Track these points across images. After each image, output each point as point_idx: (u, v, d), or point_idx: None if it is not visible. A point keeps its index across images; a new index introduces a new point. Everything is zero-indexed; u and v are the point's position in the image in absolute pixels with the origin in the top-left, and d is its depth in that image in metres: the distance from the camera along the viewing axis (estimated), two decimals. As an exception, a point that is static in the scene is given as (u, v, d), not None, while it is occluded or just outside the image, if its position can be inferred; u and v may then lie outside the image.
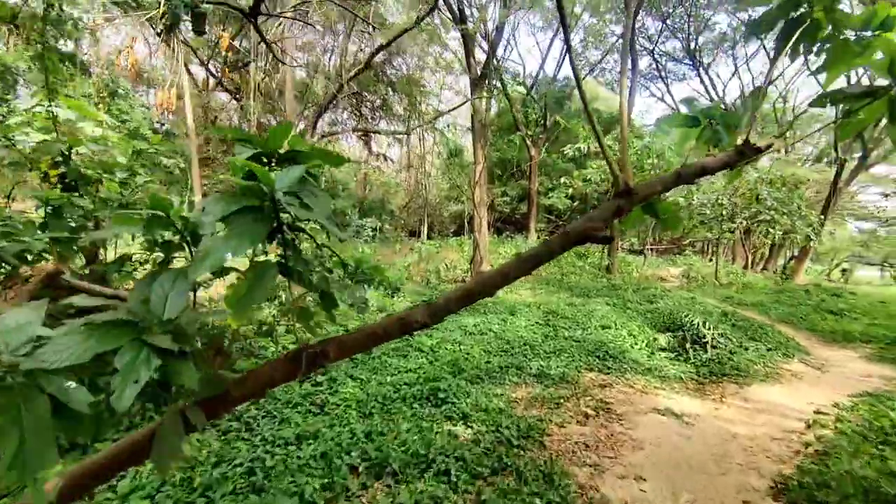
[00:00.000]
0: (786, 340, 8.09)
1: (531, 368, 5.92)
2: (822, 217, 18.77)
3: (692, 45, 29.18)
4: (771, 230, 16.68)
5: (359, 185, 31.80)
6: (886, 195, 22.53)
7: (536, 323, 8.38)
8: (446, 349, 6.58)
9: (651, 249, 31.36)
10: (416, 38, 18.22)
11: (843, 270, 32.32)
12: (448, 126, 27.70)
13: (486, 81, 14.34)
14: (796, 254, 27.40)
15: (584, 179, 16.68)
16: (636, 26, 30.02)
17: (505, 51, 35.56)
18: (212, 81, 20.00)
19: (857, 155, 22.03)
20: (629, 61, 17.54)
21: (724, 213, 17.58)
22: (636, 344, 7.33)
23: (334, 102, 13.76)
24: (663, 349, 7.22)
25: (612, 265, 17.02)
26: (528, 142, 25.71)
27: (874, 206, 32.18)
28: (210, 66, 17.49)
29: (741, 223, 16.89)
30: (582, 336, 7.45)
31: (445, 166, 32.49)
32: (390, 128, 29.27)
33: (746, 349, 7.16)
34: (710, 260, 27.02)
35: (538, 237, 25.71)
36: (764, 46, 27.39)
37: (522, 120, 27.65)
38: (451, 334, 7.36)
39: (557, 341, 7.20)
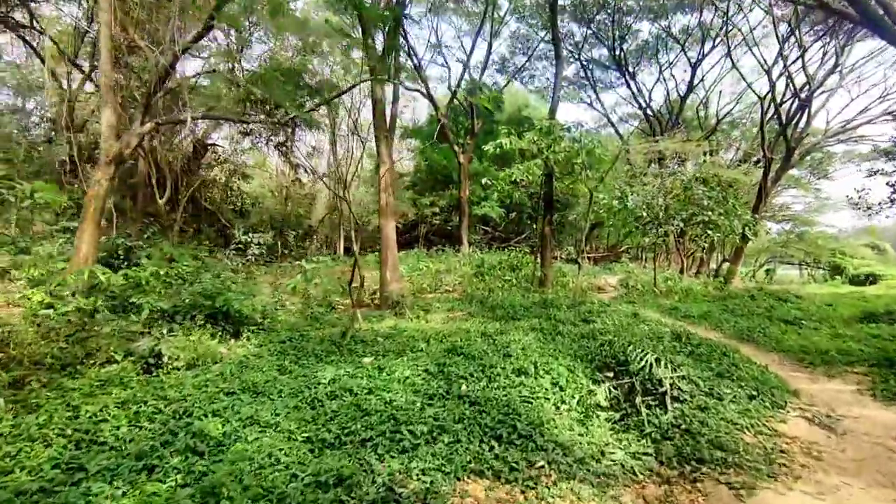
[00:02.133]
0: (762, 374, 5.78)
1: (375, 480, 3.18)
2: (755, 216, 17.46)
3: (617, 52, 28.13)
4: (709, 231, 15.03)
5: (278, 199, 28.31)
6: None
7: (426, 371, 5.63)
8: (244, 444, 3.70)
9: (588, 258, 29.80)
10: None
11: (768, 270, 32.20)
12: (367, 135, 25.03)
13: (387, 63, 11.72)
14: (727, 256, 26.60)
15: (511, 181, 14.32)
16: (562, 33, 28.85)
17: (430, 53, 33.37)
18: None
19: (781, 156, 21.24)
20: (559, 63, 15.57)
21: (659, 214, 15.79)
22: (563, 402, 4.72)
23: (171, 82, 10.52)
24: (603, 407, 4.66)
25: (546, 277, 14.73)
26: (457, 148, 23.37)
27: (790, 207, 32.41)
28: None
29: (677, 225, 15.14)
30: (484, 394, 4.75)
31: (371, 177, 29.66)
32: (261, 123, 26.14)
33: (720, 398, 4.73)
34: (646, 266, 25.71)
35: (471, 249, 23.27)
36: (685, 53, 26.65)
37: (450, 126, 25.43)
38: (275, 404, 4.49)
39: (445, 408, 4.47)
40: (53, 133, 17.34)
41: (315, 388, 5.01)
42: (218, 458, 3.48)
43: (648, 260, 30.66)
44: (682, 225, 15.23)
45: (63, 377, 4.70)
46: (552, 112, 14.33)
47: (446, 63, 27.52)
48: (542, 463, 3.44)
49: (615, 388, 4.93)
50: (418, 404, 4.57)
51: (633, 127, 34.27)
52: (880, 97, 21.59)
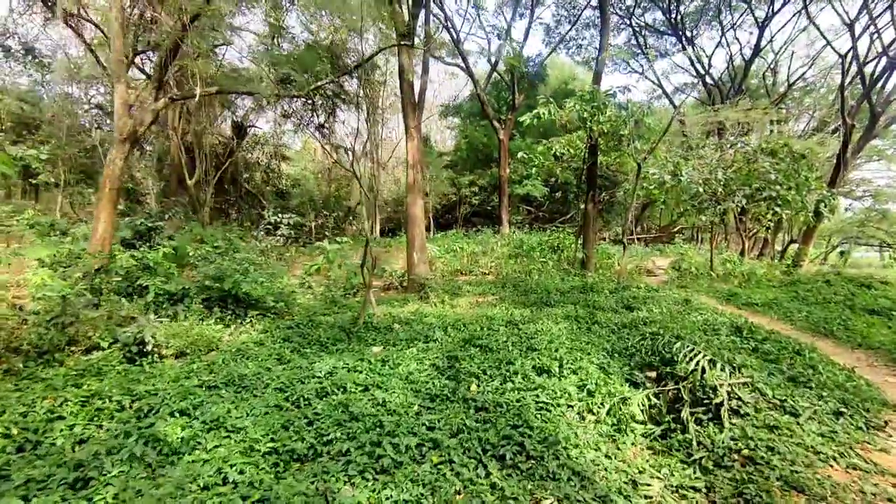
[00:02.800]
0: (848, 380, 4.61)
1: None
2: (832, 191, 15.31)
3: (673, 15, 25.66)
4: (777, 209, 13.22)
5: (319, 181, 28.27)
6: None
7: (434, 366, 4.90)
8: (201, 454, 3.13)
9: (638, 239, 27.94)
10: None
11: (842, 252, 28.95)
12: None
13: (417, 31, 10.83)
14: (795, 237, 24.00)
15: (551, 156, 13.14)
16: (612, -3, 26.58)
17: (468, 26, 31.85)
18: None
19: (862, 125, 18.61)
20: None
21: (719, 190, 14.12)
22: (590, 411, 3.84)
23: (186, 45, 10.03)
24: (639, 420, 3.74)
25: (588, 259, 13.57)
26: (497, 125, 22.16)
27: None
28: None
29: (738, 202, 13.43)
30: (495, 398, 3.95)
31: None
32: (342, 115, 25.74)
33: (795, 414, 3.68)
34: (701, 248, 23.66)
35: (513, 230, 22.23)
36: (752, 12, 23.85)
37: (490, 101, 24.15)
38: (255, 401, 3.90)
39: (445, 414, 3.72)
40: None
41: (306, 382, 4.40)
42: (163, 472, 2.91)
43: (705, 241, 28.36)
44: (744, 202, 13.51)
45: (39, 366, 4.34)
46: (597, 77, 12.92)
47: (486, 35, 25.65)
48: (549, 500, 2.62)
49: (657, 394, 3.98)
50: (415, 408, 3.84)
51: (690, 97, 31.53)
52: None
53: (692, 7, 25.89)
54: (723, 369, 4.24)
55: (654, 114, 12.32)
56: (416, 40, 11.27)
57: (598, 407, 3.80)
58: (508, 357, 4.94)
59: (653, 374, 4.64)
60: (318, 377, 4.57)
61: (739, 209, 16.32)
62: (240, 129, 21.05)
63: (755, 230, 23.01)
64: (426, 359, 5.12)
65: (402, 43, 10.08)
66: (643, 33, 27.56)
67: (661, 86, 28.22)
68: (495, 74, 24.91)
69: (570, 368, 4.55)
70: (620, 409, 3.75)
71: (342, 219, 23.49)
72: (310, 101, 27.02)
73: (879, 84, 17.62)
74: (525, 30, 22.13)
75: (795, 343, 5.52)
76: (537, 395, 3.94)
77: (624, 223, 14.35)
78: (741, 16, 24.57)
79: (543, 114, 11.62)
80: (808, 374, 4.58)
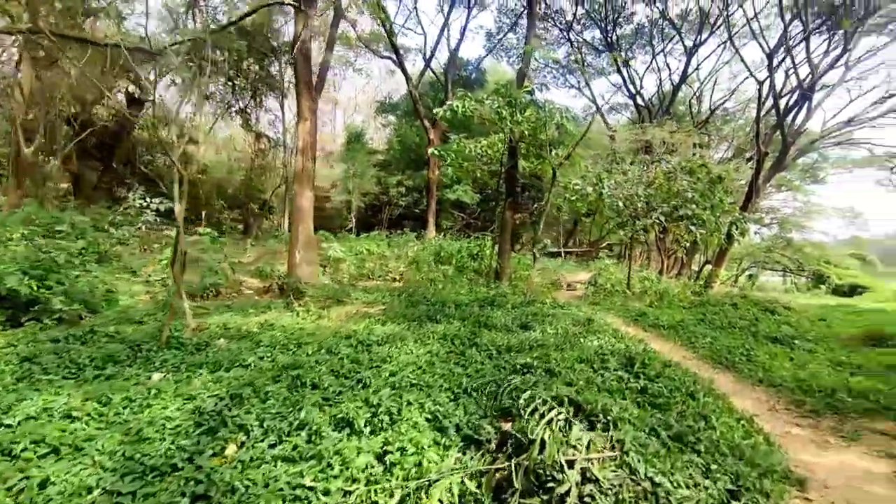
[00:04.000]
0: (747, 436, 3.60)
1: None
2: (744, 214, 15.30)
3: (610, 35, 25.76)
4: (692, 228, 12.85)
5: (239, 171, 25.76)
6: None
7: (197, 411, 3.37)
8: None
9: (567, 252, 27.64)
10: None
11: (751, 276, 30.23)
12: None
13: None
14: (710, 258, 24.52)
15: (471, 156, 11.98)
16: (552, 9, 26.32)
17: (403, 18, 30.56)
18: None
19: (774, 156, 19.12)
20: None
21: (638, 207, 13.59)
22: (371, 499, 2.48)
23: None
24: (449, 516, 2.43)
25: (503, 269, 12.51)
26: (427, 124, 20.91)
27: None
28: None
29: (657, 220, 12.92)
30: (237, 476, 2.51)
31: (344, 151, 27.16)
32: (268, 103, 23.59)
33: (672, 504, 2.51)
34: (641, 264, 23.65)
35: (443, 235, 21.03)
36: (682, 40, 24.30)
37: (425, 101, 22.88)
38: None
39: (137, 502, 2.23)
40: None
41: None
42: None
43: (636, 258, 28.63)
44: (662, 219, 13.02)
45: None
46: (520, 77, 11.97)
47: (423, 30, 24.46)
48: None
49: (483, 472, 2.69)
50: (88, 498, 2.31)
51: (623, 117, 32.00)
52: (881, 98, 19.51)
53: (628, 30, 26.13)
54: (591, 428, 3.06)
55: (575, 120, 11.49)
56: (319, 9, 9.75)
57: (387, 498, 2.44)
58: (311, 399, 3.51)
59: (508, 426, 3.40)
60: (7, 425, 2.92)
61: (661, 228, 16.03)
62: (134, 102, 18.41)
63: (674, 250, 23.28)
64: (203, 395, 3.59)
65: (287, 2, 8.50)
66: (582, 50, 27.47)
67: (595, 103, 28.25)
68: (432, 75, 23.77)
69: (387, 419, 3.19)
70: (418, 502, 2.41)
71: (253, 212, 21.28)
72: (230, 83, 24.68)
73: (791, 116, 18.10)
74: (461, 28, 21.04)
75: (691, 382, 4.51)
76: (302, 473, 2.53)
77: (535, 233, 13.45)
78: (670, 42, 24.99)
79: (457, 107, 10.42)
80: (700, 430, 3.50)
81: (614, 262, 20.72)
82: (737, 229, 14.14)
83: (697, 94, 27.73)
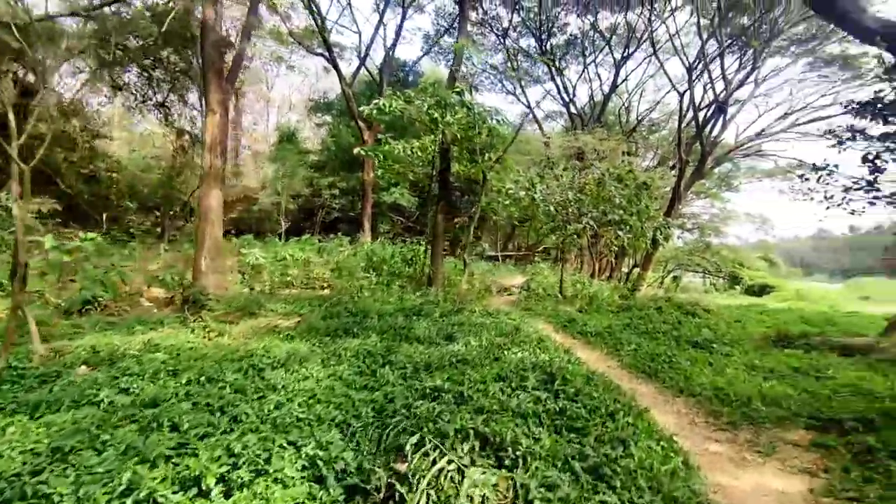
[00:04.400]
0: (665, 461, 3.31)
1: None
2: (667, 220, 15.90)
3: (545, 44, 26.23)
4: (620, 233, 13.09)
5: (156, 169, 23.59)
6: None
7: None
8: None
9: (506, 257, 27.75)
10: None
11: (675, 278, 31.96)
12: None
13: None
14: (638, 261, 25.55)
15: (393, 160, 11.43)
16: (489, 16, 26.45)
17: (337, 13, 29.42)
18: None
19: (693, 166, 20.17)
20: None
21: (570, 212, 13.66)
22: None
23: None
24: None
25: (435, 275, 12.07)
26: (362, 124, 20.12)
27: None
28: None
29: (587, 224, 13.03)
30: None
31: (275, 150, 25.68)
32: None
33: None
34: (575, 268, 24.06)
35: (379, 239, 20.29)
36: (612, 52, 25.20)
37: (361, 101, 22.04)
38: None
39: None
40: None
41: None
42: None
43: (569, 262, 29.29)
44: (592, 224, 13.16)
45: None
46: (451, 78, 11.64)
47: (358, 28, 23.53)
48: None
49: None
50: None
51: (558, 124, 32.78)
52: (784, 114, 21.29)
53: (562, 40, 26.73)
54: (498, 464, 2.61)
55: (507, 124, 11.29)
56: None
57: None
58: (164, 446, 2.81)
59: (404, 467, 2.89)
60: None
61: (593, 233, 16.30)
62: (24, 90, 16.23)
63: (605, 254, 23.99)
64: (12, 450, 2.78)
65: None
66: (517, 57, 27.80)
67: (531, 110, 28.68)
68: (368, 75, 22.97)
69: (248, 474, 2.57)
70: None
71: (168, 214, 19.50)
72: (145, 74, 22.58)
73: (709, 127, 19.17)
74: (396, 28, 20.48)
75: (611, 400, 4.22)
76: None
77: (465, 238, 13.16)
78: (600, 53, 25.84)
79: (384, 105, 9.86)
80: (617, 458, 3.17)
81: (550, 266, 21.02)
82: (661, 234, 14.61)
83: (626, 104, 28.98)
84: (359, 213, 22.14)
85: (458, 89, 10.42)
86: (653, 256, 18.78)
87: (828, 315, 13.69)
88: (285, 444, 2.87)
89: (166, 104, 23.24)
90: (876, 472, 3.37)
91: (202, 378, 4.18)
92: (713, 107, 18.86)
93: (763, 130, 21.93)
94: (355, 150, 10.70)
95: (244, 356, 5.00)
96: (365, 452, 3.03)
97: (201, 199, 8.65)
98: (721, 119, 18.92)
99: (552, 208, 13.15)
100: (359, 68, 20.99)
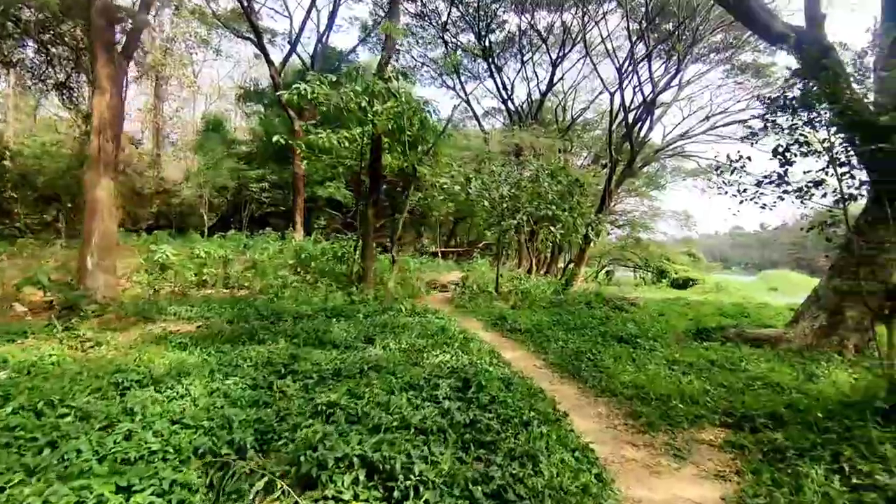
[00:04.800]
0: (576, 479, 3.01)
1: None
2: (599, 216, 16.24)
3: (485, 41, 26.11)
4: (552, 228, 13.12)
5: (58, 158, 21.08)
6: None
7: None
8: None
9: (446, 253, 27.45)
10: None
11: (608, 273, 33.23)
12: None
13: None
14: (573, 257, 26.18)
15: (319, 151, 10.69)
16: (428, 9, 25.97)
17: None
18: None
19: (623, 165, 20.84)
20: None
21: (505, 206, 13.51)
22: None
23: None
24: None
25: (366, 272, 11.47)
26: (293, 113, 18.98)
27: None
28: None
29: (522, 219, 12.94)
30: None
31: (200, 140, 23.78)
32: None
33: None
34: (504, 264, 24.10)
35: (311, 236, 19.24)
36: (548, 51, 25.52)
37: (287, 88, 20.87)
38: None
39: None
40: None
41: None
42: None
43: (510, 258, 29.58)
44: (526, 218, 13.09)
45: None
46: (381, 67, 11.04)
47: (289, 13, 22.09)
48: None
49: None
50: None
51: (498, 122, 32.92)
52: (706, 117, 22.58)
53: (501, 36, 26.73)
54: (386, 497, 2.15)
55: (436, 114, 10.89)
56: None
57: None
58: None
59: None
60: None
61: (530, 229, 16.33)
62: None
63: (541, 250, 24.34)
64: None
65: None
66: (456, 52, 27.49)
67: (470, 106, 28.51)
68: (300, 63, 21.75)
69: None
70: None
71: (64, 206, 17.47)
72: (43, 50, 20.07)
73: (638, 127, 19.86)
74: (330, 14, 19.48)
75: (527, 407, 3.91)
76: None
77: (393, 233, 12.68)
78: (537, 52, 26.12)
79: (305, 90, 9.11)
80: (525, 477, 2.82)
81: (491, 262, 20.95)
82: (592, 230, 14.86)
83: (563, 104, 29.55)
84: (290, 207, 20.99)
85: (386, 76, 9.86)
86: (586, 252, 19.17)
87: (742, 306, 14.45)
88: (109, 494, 2.25)
89: (69, 84, 20.82)
90: (785, 475, 3.26)
91: (40, 403, 3.40)
92: (641, 108, 19.54)
93: (686, 132, 23.12)
94: (274, 139, 9.83)
95: (110, 372, 4.22)
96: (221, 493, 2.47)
97: (87, 189, 7.50)
98: (649, 120, 19.66)
99: (486, 203, 12.94)
100: (289, 55, 19.81)
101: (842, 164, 4.76)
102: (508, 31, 26.32)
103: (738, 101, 21.29)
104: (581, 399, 5.10)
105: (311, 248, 14.40)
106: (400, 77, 10.18)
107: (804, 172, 5.11)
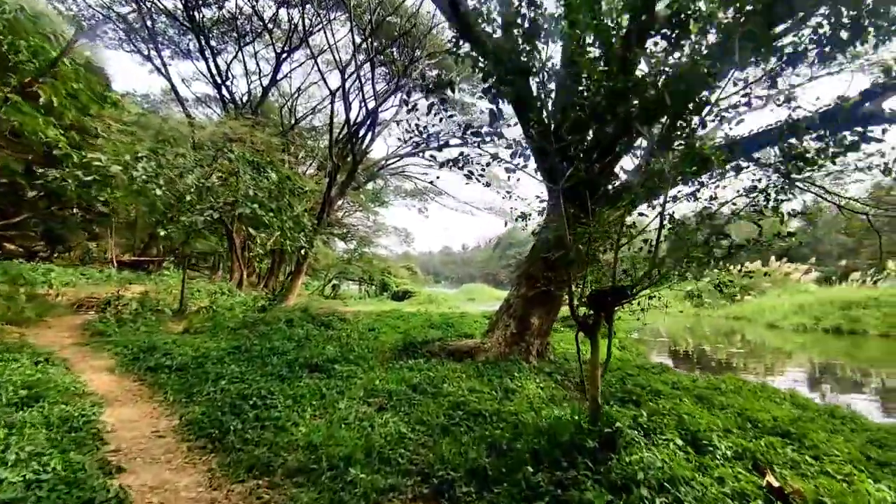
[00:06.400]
0: None
1: None
2: (316, 226, 14.51)
3: (195, 14, 21.38)
4: (253, 231, 10.54)
5: None
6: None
7: None
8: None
9: (122, 263, 20.70)
10: None
11: (334, 286, 32.15)
12: None
13: None
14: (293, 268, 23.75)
15: None
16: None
17: None
18: None
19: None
20: None
21: (187, 200, 10.15)
22: None
23: None
24: None
25: None
26: None
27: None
28: None
29: (207, 216, 9.87)
30: None
31: None
32: None
33: None
34: (222, 276, 19.50)
35: None
36: (273, 43, 22.78)
37: None
38: None
39: None
40: None
41: None
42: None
43: (224, 269, 24.66)
44: (215, 216, 10.09)
45: None
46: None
47: None
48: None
49: None
50: None
51: (215, 113, 27.74)
52: (410, 139, 24.07)
53: (217, 14, 22.45)
54: None
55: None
56: None
57: None
58: None
59: None
60: None
61: (247, 235, 13.14)
62: None
63: (256, 260, 21.06)
64: None
65: None
66: (152, 15, 21.61)
67: (173, 86, 22.78)
68: None
69: None
70: None
71: None
72: None
73: (361, 134, 19.33)
74: None
75: None
76: None
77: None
78: (258, 40, 23.10)
79: None
80: None
81: (175, 273, 16.33)
82: (304, 240, 12.93)
83: (290, 105, 27.08)
84: None
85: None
86: (304, 264, 17.11)
87: (448, 316, 15.06)
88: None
89: None
90: None
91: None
92: (365, 117, 19.11)
93: (406, 154, 24.15)
94: None
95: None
96: None
97: None
98: (371, 131, 19.41)
99: (159, 191, 9.36)
100: None
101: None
102: (227, 10, 22.40)
103: (449, 133, 23.50)
104: (205, 493, 2.93)
105: None
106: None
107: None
